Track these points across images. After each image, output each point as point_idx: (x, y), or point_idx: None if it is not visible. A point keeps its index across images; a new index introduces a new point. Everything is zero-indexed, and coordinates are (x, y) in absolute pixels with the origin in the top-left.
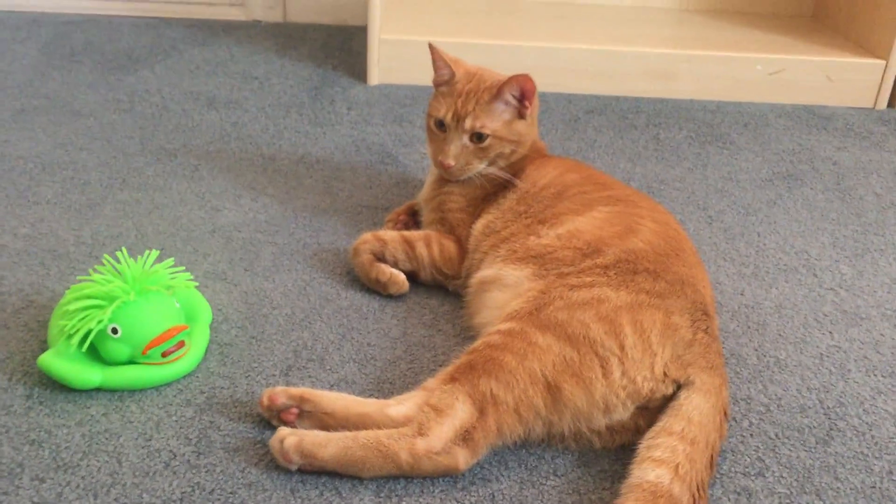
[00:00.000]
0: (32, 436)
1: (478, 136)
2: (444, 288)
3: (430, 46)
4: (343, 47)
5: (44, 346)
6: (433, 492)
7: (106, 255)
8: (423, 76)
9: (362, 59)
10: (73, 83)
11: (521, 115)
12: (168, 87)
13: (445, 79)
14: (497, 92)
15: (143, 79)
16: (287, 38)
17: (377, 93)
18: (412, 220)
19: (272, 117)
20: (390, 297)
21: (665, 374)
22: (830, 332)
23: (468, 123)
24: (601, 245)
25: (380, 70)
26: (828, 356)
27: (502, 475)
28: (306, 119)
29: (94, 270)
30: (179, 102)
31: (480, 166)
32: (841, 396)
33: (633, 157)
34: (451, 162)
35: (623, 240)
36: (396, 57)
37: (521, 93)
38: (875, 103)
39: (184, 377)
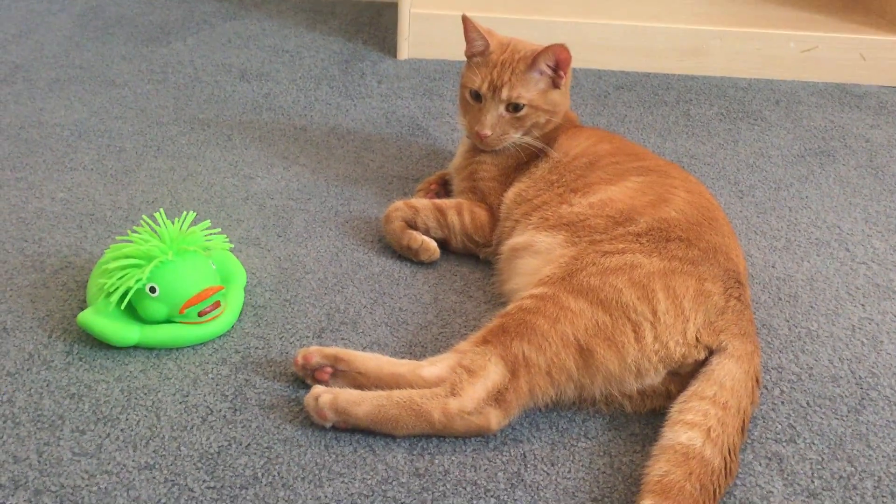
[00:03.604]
0: (73, 390)
1: (514, 107)
2: (474, 256)
3: (464, 18)
4: (373, 22)
5: (82, 306)
6: (465, 451)
7: (144, 216)
8: (453, 50)
9: (392, 34)
10: (108, 54)
11: (555, 85)
12: (200, 59)
13: (479, 50)
14: (532, 62)
15: (176, 51)
16: (317, 13)
17: (407, 67)
18: (443, 189)
19: (303, 89)
20: (421, 263)
21: (697, 339)
22: (862, 305)
23: (505, 93)
24: (634, 214)
25: (409, 44)
26: (860, 328)
27: (534, 436)
28: (337, 92)
29: (133, 231)
30: (212, 74)
31: (516, 136)
32: (873, 367)
33: (662, 132)
34: (488, 132)
35: (656, 209)
36: (426, 31)
37: (557, 62)
38: None
39: (219, 337)
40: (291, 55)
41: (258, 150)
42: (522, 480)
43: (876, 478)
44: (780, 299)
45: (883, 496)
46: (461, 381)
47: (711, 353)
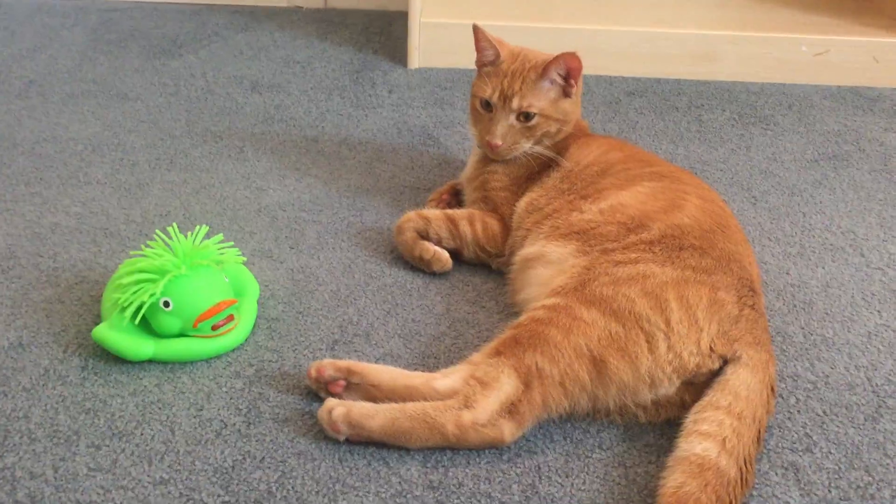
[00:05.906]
0: (88, 405)
1: (525, 116)
2: (487, 266)
3: (475, 27)
4: (383, 32)
5: (97, 320)
6: (479, 463)
7: (157, 231)
8: (463, 59)
9: (402, 43)
10: (121, 68)
11: (566, 94)
12: (212, 71)
13: (490, 59)
14: (543, 71)
15: (188, 63)
16: (328, 23)
17: (418, 76)
18: (455, 199)
19: (315, 100)
20: (434, 274)
21: (711, 349)
22: (878, 311)
23: (515, 103)
24: (646, 220)
25: (420, 54)
26: (876, 335)
27: (548, 448)
28: (348, 102)
29: (146, 245)
30: (224, 86)
31: (527, 145)
32: (890, 374)
33: (675, 138)
34: (499, 142)
35: (668, 215)
36: (436, 40)
37: (567, 71)
38: None
39: (233, 350)
40: (303, 66)
41: (270, 161)
42: (537, 492)
43: (894, 487)
44: (795, 306)
45: None
46: (474, 393)
47: (726, 362)
